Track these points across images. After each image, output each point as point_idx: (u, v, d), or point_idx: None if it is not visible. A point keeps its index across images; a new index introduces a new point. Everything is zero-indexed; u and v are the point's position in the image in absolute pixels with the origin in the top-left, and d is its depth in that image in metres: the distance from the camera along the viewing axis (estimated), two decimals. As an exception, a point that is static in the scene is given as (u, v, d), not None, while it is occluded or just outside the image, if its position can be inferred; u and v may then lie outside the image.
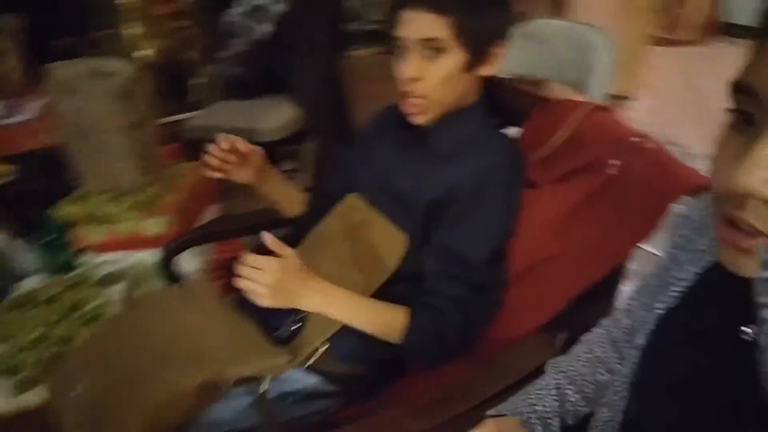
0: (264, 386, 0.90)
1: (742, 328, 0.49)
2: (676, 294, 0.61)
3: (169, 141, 2.00)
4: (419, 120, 0.98)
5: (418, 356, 0.96)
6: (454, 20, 0.90)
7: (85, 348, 1.01)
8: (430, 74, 0.93)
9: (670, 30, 4.09)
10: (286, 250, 0.86)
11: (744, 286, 0.46)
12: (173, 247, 1.23)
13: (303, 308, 0.89)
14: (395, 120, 1.07)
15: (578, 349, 0.78)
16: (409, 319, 0.92)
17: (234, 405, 0.93)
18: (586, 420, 0.73)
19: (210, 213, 1.86)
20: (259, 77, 2.37)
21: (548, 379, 0.76)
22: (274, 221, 1.25)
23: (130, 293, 1.41)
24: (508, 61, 1.87)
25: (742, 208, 0.42)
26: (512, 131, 1.12)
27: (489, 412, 0.73)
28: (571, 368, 0.76)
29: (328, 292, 0.90)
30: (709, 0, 4.12)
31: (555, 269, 0.94)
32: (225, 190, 1.90)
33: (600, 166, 0.92)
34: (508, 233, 0.98)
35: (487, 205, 0.95)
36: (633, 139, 0.90)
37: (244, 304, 1.04)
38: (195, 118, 2.41)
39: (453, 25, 0.90)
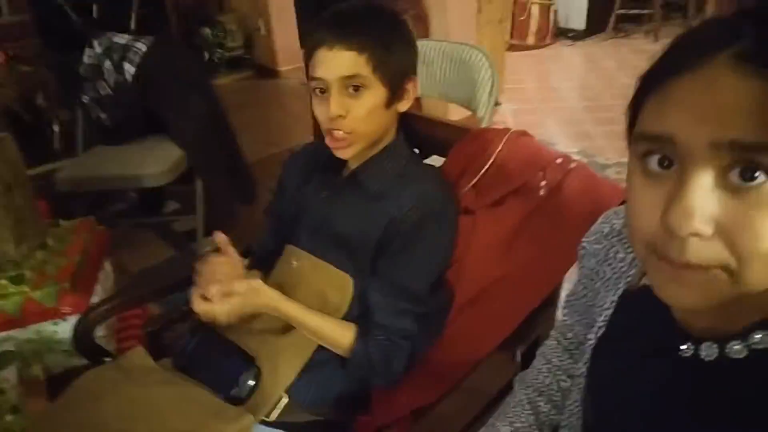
0: None
1: (681, 347, 0.54)
2: (602, 323, 0.66)
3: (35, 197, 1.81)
4: (345, 154, 0.98)
5: (361, 377, 0.98)
6: (371, 56, 0.92)
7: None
8: (354, 110, 0.94)
9: (518, 37, 4.46)
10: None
11: (662, 306, 0.51)
12: (92, 318, 1.11)
13: (257, 309, 0.96)
14: (322, 162, 1.07)
15: (537, 362, 0.83)
16: (357, 343, 0.96)
17: None
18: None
19: (104, 272, 1.71)
20: (133, 120, 2.22)
21: (519, 396, 0.80)
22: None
23: (26, 373, 1.27)
24: None
25: (685, 252, 0.43)
26: (434, 161, 1.16)
27: None
28: (536, 381, 0.80)
29: (277, 295, 0.97)
30: (546, 9, 4.54)
31: (504, 290, 0.99)
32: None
33: (530, 189, 0.98)
34: (447, 260, 1.02)
35: (425, 237, 0.98)
36: (557, 160, 0.97)
37: (186, 369, 1.03)
38: (64, 168, 2.19)
39: (371, 61, 0.92)
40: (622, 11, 4.61)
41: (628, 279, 0.65)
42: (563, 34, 4.78)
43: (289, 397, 0.98)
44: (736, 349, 0.50)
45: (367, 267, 1.00)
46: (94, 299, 1.52)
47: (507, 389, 0.85)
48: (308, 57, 0.97)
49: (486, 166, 1.04)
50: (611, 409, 0.63)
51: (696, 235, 0.42)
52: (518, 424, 0.76)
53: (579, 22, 4.68)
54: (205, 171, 2.29)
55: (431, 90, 1.78)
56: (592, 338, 0.68)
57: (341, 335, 0.97)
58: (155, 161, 2.15)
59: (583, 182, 0.96)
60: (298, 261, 1.07)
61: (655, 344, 0.57)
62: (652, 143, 0.45)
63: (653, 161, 0.45)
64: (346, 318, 1.00)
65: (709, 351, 0.52)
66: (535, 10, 4.50)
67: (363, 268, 1.00)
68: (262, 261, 1.15)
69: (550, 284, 0.98)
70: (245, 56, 4.68)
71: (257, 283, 0.96)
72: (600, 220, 0.71)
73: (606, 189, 0.94)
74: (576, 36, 4.65)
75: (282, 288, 1.03)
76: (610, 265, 0.67)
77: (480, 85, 1.68)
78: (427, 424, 0.89)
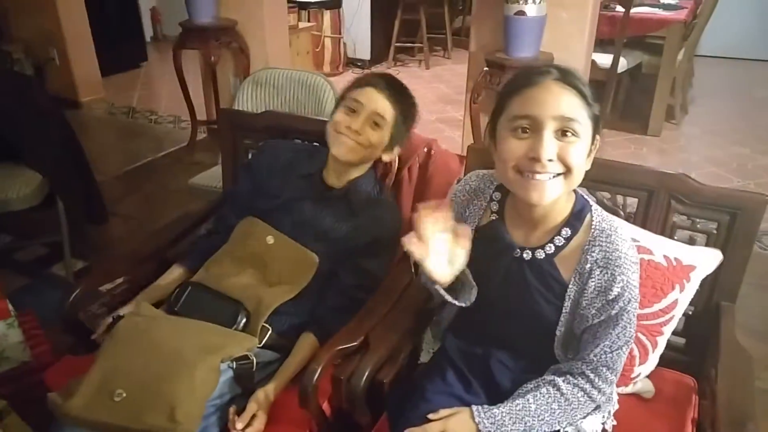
0: (254, 360, 1.24)
1: (514, 253, 1.09)
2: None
3: None
4: (345, 155, 1.35)
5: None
6: (396, 115, 1.38)
7: (108, 363, 1.16)
8: (368, 136, 1.35)
9: (317, 66, 5.05)
10: None
11: (502, 233, 1.09)
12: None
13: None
14: (303, 172, 1.46)
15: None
16: (319, 334, 1.32)
17: (221, 380, 1.20)
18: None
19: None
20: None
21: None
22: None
23: None
24: (249, 101, 2.30)
25: (545, 167, 0.93)
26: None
27: None
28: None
29: (272, 386, 1.24)
30: (337, 42, 5.22)
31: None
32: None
33: (412, 170, 1.50)
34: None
35: (392, 242, 1.36)
36: (425, 149, 1.50)
37: (183, 313, 1.34)
38: None
39: (394, 115, 1.37)
40: (399, 44, 5.48)
41: (480, 216, 1.16)
42: (352, 63, 5.54)
43: (271, 329, 1.34)
44: (539, 255, 1.08)
45: (341, 256, 1.38)
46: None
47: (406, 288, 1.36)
48: (357, 85, 1.39)
49: (395, 166, 1.54)
50: (479, 291, 1.12)
51: (549, 159, 0.95)
52: None
53: (364, 52, 5.48)
54: (65, 195, 2.35)
55: (283, 108, 2.21)
56: None
57: (310, 350, 1.30)
58: (17, 185, 2.19)
59: (441, 162, 1.51)
60: (275, 240, 1.41)
61: (500, 252, 1.10)
62: (522, 119, 0.97)
63: (519, 130, 0.97)
64: (308, 287, 1.37)
65: (527, 255, 1.09)
66: (328, 42, 5.15)
67: (336, 256, 1.38)
68: (225, 234, 1.48)
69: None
70: (37, 86, 4.44)
71: (262, 395, 1.21)
72: (461, 183, 1.21)
73: (455, 165, 1.50)
74: (363, 65, 5.44)
75: (260, 260, 1.39)
76: (469, 208, 1.18)
77: (325, 102, 2.17)
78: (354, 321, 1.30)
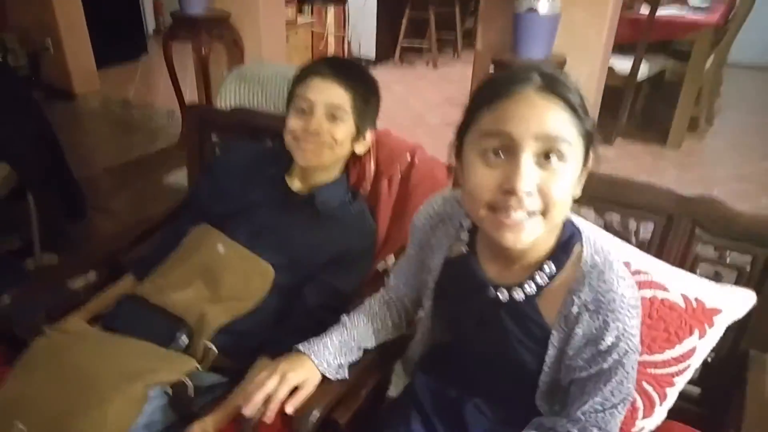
0: (191, 388, 1.06)
1: (488, 292, 0.88)
2: (435, 276, 0.99)
3: None
4: (311, 161, 1.20)
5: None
6: (354, 98, 1.19)
7: (12, 390, 1.03)
8: (330, 132, 1.18)
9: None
10: None
11: (474, 268, 0.88)
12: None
13: None
14: (266, 174, 1.28)
15: (362, 306, 1.12)
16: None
17: (150, 408, 1.02)
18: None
19: None
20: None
21: (342, 319, 1.09)
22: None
23: None
24: (232, 97, 2.15)
25: (520, 203, 0.74)
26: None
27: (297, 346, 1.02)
28: (355, 317, 1.09)
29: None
30: (341, 40, 5.04)
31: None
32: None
33: (392, 181, 1.30)
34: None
35: (362, 259, 1.26)
36: (407, 156, 1.30)
37: (119, 332, 1.17)
38: None
39: (352, 100, 1.19)
40: (406, 44, 5.29)
41: (448, 246, 0.97)
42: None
43: (217, 349, 1.16)
44: (516, 295, 0.87)
45: (305, 270, 1.22)
46: None
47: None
48: (299, 79, 1.21)
49: (371, 172, 1.34)
50: (450, 330, 0.95)
51: (527, 192, 0.74)
52: (328, 355, 1.03)
53: (370, 51, 5.26)
54: (37, 188, 2.21)
55: (268, 106, 2.02)
56: (431, 285, 0.99)
57: None
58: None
59: (426, 171, 1.30)
60: (226, 249, 1.23)
61: (472, 290, 0.91)
62: (494, 138, 0.76)
63: (491, 153, 0.77)
64: (263, 303, 1.20)
65: (503, 296, 0.88)
66: (331, 40, 4.97)
67: (298, 270, 1.22)
68: (177, 242, 1.31)
69: (400, 243, 1.30)
70: (31, 77, 4.31)
71: (198, 430, 1.03)
72: (425, 204, 1.03)
73: (441, 175, 1.30)
74: (368, 64, 5.22)
75: (209, 271, 1.21)
76: (435, 235, 0.99)
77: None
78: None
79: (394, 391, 1.20)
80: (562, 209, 0.78)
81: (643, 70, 3.53)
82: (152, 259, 1.33)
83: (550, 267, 0.85)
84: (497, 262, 0.89)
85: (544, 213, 0.76)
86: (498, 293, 0.87)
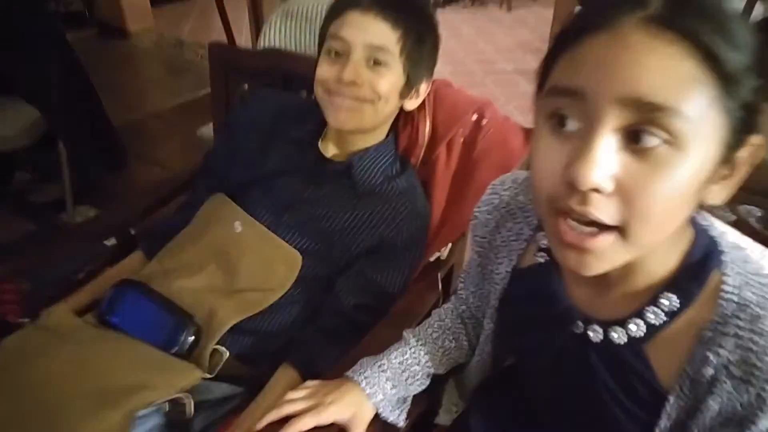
0: (189, 407, 0.85)
1: (575, 328, 0.60)
2: (499, 291, 0.71)
3: None
4: (347, 122, 0.94)
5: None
6: (404, 37, 0.91)
7: None
8: (371, 83, 0.91)
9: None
10: None
11: (555, 284, 0.60)
12: None
13: None
14: (292, 135, 1.03)
15: (431, 319, 0.87)
16: (302, 368, 0.92)
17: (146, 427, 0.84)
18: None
19: None
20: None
21: (410, 342, 0.82)
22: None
23: None
24: (276, 37, 1.90)
25: (586, 203, 0.46)
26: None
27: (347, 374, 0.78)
28: (426, 333, 0.84)
29: None
30: None
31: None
32: None
33: (452, 147, 1.01)
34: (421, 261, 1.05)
35: (412, 251, 1.00)
36: (473, 117, 1.01)
37: (116, 327, 0.97)
38: None
39: (402, 41, 0.91)
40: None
41: (520, 252, 0.69)
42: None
43: (230, 352, 0.95)
44: (616, 336, 0.57)
45: (339, 260, 0.99)
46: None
47: (430, 313, 0.91)
48: (333, 14, 0.93)
49: (426, 136, 1.05)
50: (517, 363, 0.70)
51: (596, 190, 0.45)
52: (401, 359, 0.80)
53: None
54: (68, 136, 2.07)
55: (309, 45, 1.76)
56: (494, 302, 0.73)
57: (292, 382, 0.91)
58: (6, 123, 1.91)
59: (497, 135, 1.01)
60: (244, 227, 1.01)
61: (550, 318, 0.62)
62: (562, 97, 0.47)
63: (556, 120, 0.48)
64: (288, 296, 0.98)
65: (595, 334, 0.59)
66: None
67: (331, 259, 0.99)
68: (192, 213, 1.10)
69: (459, 231, 1.04)
70: (85, 12, 4.19)
71: None
72: (488, 191, 0.75)
73: (516, 141, 1.00)
74: (435, 4, 4.79)
75: (224, 254, 0.99)
76: (500, 234, 0.72)
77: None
78: (355, 353, 0.89)
79: (443, 418, 0.95)
80: (658, 227, 0.48)
81: None
82: (164, 233, 1.12)
83: (670, 301, 0.55)
84: (588, 283, 0.59)
85: (624, 229, 0.47)
86: (588, 330, 0.60)
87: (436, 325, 0.84)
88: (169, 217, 1.19)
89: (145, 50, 4.07)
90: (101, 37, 4.18)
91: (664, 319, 0.56)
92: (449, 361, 0.83)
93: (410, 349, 0.80)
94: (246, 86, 1.29)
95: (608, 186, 0.45)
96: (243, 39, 3.30)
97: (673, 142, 0.44)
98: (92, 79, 2.17)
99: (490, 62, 3.80)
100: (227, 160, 1.10)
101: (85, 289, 1.08)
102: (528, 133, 1.02)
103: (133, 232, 1.28)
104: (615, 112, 0.44)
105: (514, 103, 3.11)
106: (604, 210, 0.46)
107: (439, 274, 0.99)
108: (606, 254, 0.49)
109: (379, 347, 0.84)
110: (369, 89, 0.91)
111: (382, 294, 0.98)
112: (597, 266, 0.50)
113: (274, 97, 1.12)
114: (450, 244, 1.02)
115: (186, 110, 3.23)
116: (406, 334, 0.83)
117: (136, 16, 4.16)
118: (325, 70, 0.93)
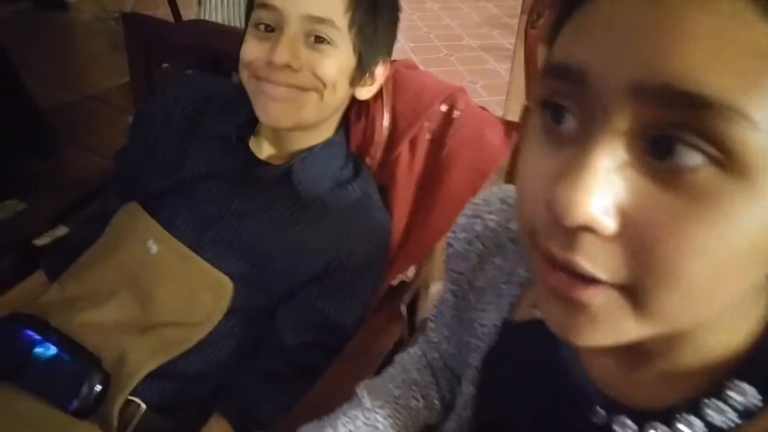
0: None
1: (593, 417, 0.40)
2: (484, 349, 0.53)
3: None
4: (281, 119, 0.75)
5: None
6: (353, 6, 0.72)
7: None
8: (311, 66, 0.72)
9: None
10: None
11: (564, 351, 0.41)
12: None
13: None
14: (215, 132, 0.84)
15: (393, 369, 0.69)
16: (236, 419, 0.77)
17: None
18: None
19: None
20: None
21: (365, 403, 0.65)
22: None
23: None
24: (218, 10, 1.72)
25: (572, 249, 0.29)
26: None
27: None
28: (386, 391, 0.66)
29: None
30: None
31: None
32: None
33: (417, 144, 0.83)
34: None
35: (369, 270, 0.84)
36: (442, 107, 0.83)
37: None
38: None
39: (350, 11, 0.72)
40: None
41: (512, 300, 0.51)
42: None
43: (147, 403, 0.78)
44: None
45: (280, 285, 0.82)
46: None
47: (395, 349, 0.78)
48: None
49: (384, 132, 0.86)
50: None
51: (588, 228, 0.28)
52: (351, 427, 0.62)
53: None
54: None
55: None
56: (476, 363, 0.54)
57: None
58: None
59: (470, 130, 0.83)
60: (160, 246, 0.82)
61: (557, 396, 0.44)
62: (558, 81, 0.30)
63: (549, 113, 0.31)
64: (217, 332, 0.80)
65: (622, 427, 0.39)
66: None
67: (269, 284, 0.82)
68: (101, 226, 0.90)
69: (426, 249, 0.87)
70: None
71: None
72: (467, 211, 0.56)
73: (495, 137, 0.83)
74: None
75: (139, 281, 0.81)
76: (484, 272, 0.54)
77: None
78: (319, 395, 0.75)
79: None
80: (697, 299, 0.29)
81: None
82: (69, 249, 0.92)
83: (743, 395, 0.35)
84: (612, 351, 0.37)
85: (634, 292, 0.29)
86: (614, 424, 0.39)
87: (399, 379, 0.66)
88: (75, 230, 0.99)
89: (86, 24, 3.78)
90: (37, 9, 3.88)
91: (736, 421, 0.36)
92: (415, 425, 0.65)
93: (364, 412, 0.63)
94: (166, 66, 1.08)
95: (608, 224, 0.27)
96: (193, 14, 3.06)
97: (727, 165, 0.26)
98: (22, 57, 1.96)
99: (455, 38, 3.63)
100: (141, 161, 0.90)
101: None
102: (510, 128, 0.84)
103: (38, 243, 1.08)
104: (625, 106, 0.27)
105: (481, 82, 2.95)
106: (600, 260, 0.28)
107: (402, 302, 0.82)
108: (607, 317, 0.30)
109: (334, 395, 0.68)
110: (309, 75, 0.72)
111: (333, 328, 0.81)
112: (592, 333, 0.31)
113: (197, 83, 0.92)
114: (413, 268, 0.85)
115: (127, 90, 3.00)
116: (360, 391, 0.65)
117: (75, -14, 3.86)
118: (251, 49, 0.73)
